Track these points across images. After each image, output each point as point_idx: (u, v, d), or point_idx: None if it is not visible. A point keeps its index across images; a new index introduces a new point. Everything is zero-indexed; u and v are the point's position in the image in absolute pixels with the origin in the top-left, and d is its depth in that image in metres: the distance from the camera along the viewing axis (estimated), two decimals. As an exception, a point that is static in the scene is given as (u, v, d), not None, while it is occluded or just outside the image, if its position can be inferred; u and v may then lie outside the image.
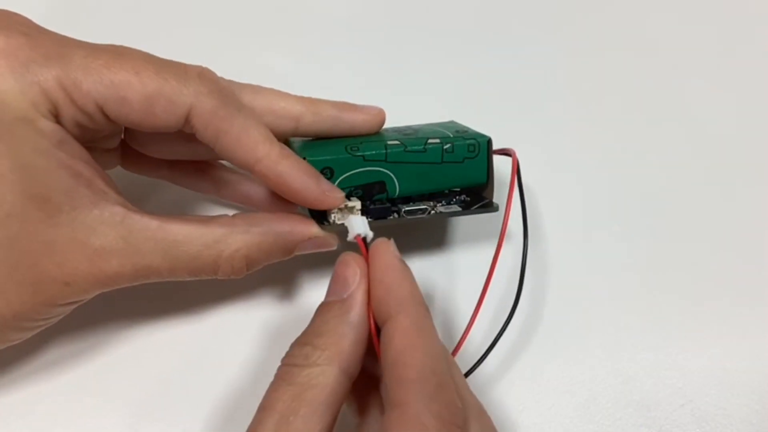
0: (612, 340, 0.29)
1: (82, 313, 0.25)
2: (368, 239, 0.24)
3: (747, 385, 0.28)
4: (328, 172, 0.25)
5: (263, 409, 0.20)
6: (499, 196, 0.27)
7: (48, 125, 0.21)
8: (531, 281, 0.30)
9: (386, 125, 0.28)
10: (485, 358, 0.26)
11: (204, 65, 0.24)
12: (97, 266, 0.22)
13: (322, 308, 0.22)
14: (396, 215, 0.27)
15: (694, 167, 0.34)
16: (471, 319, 0.26)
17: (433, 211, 0.27)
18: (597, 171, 0.34)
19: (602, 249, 0.31)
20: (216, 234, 0.23)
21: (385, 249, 0.22)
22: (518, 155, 0.27)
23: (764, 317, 0.30)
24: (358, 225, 0.24)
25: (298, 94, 0.27)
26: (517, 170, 0.27)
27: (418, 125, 0.29)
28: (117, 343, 0.28)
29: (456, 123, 0.30)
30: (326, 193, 0.24)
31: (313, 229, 0.25)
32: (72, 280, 0.22)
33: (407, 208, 0.27)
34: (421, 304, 0.21)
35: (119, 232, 0.22)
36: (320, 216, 0.25)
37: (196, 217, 0.24)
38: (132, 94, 0.22)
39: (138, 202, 0.24)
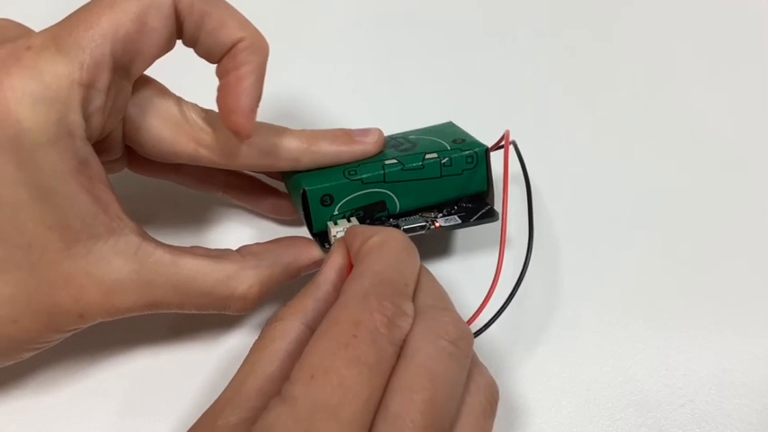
0: (612, 340, 0.29)
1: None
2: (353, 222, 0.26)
3: (747, 385, 0.28)
4: (327, 199, 0.26)
5: (244, 362, 0.21)
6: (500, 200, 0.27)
7: (71, 145, 0.21)
8: (530, 281, 0.30)
9: (384, 127, 0.28)
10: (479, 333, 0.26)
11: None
12: (110, 301, 0.23)
13: None
14: (393, 218, 0.27)
15: (696, 168, 0.34)
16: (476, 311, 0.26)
17: (432, 227, 0.27)
18: (597, 171, 0.34)
19: (602, 249, 0.31)
20: (228, 270, 0.24)
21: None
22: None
23: (765, 317, 0.30)
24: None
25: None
26: (518, 156, 0.27)
27: (416, 134, 0.29)
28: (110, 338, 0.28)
29: (454, 126, 0.30)
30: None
31: (315, 253, 0.26)
32: (85, 313, 0.23)
33: (406, 226, 0.27)
34: (394, 236, 0.22)
35: (133, 265, 0.23)
36: (322, 239, 0.26)
37: (207, 252, 0.25)
38: (124, 27, 0.22)
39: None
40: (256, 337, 0.22)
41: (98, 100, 0.22)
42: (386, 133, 0.29)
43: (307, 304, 0.22)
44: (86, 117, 0.22)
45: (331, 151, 0.26)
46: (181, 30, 0.23)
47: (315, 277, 0.23)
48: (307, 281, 0.23)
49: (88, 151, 0.22)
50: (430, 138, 0.28)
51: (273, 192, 0.31)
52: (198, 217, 0.32)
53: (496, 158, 0.27)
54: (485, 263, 0.31)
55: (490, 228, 0.28)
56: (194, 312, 0.25)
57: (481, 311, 0.26)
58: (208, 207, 0.32)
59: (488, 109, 0.35)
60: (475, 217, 0.27)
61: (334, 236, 0.25)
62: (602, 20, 0.39)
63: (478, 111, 0.35)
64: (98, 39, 0.21)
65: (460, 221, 0.27)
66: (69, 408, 0.27)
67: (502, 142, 0.27)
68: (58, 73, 0.21)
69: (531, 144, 0.34)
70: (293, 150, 0.26)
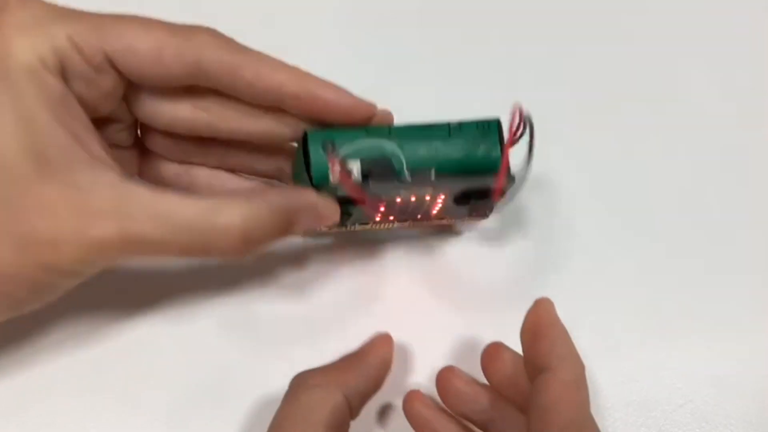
0: (612, 340, 0.29)
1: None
2: (354, 174, 0.24)
3: (747, 385, 0.28)
4: (329, 145, 0.24)
5: (273, 427, 0.22)
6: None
7: (53, 80, 0.22)
8: (530, 281, 0.30)
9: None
10: None
11: None
12: (84, 227, 0.21)
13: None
14: (399, 182, 0.25)
15: (697, 168, 0.34)
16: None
17: (434, 178, 0.25)
18: (598, 170, 0.34)
19: (602, 249, 0.31)
20: (210, 203, 0.22)
21: (549, 305, 0.24)
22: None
23: (765, 317, 0.30)
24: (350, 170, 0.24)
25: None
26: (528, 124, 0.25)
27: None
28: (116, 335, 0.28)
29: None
30: (358, 100, 0.24)
31: (311, 197, 0.24)
32: (58, 239, 0.21)
33: (410, 177, 0.25)
34: (581, 363, 0.23)
35: (111, 195, 0.21)
36: (322, 188, 0.24)
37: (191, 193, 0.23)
38: (141, 44, 0.22)
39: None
40: (286, 397, 0.22)
41: (84, 69, 0.22)
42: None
43: (348, 378, 0.23)
44: (69, 75, 0.22)
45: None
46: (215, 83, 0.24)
47: (359, 353, 0.25)
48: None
49: (70, 95, 0.22)
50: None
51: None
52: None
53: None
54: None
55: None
56: (178, 255, 0.23)
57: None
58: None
59: (488, 109, 0.35)
60: (473, 207, 0.27)
61: (333, 172, 0.24)
62: (603, 20, 0.39)
63: (478, 110, 0.35)
64: (110, 34, 0.22)
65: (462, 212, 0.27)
66: None
67: (518, 132, 0.25)
68: (56, 28, 0.22)
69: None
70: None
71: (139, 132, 0.27)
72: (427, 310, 0.29)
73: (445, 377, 0.25)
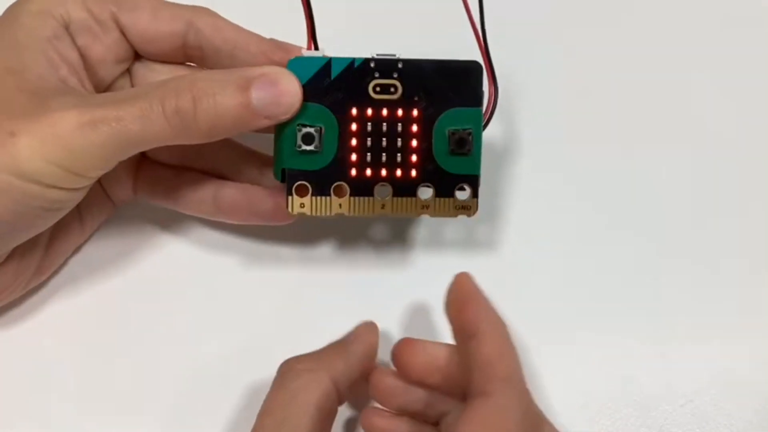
0: (612, 340, 0.29)
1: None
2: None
3: (747, 385, 0.28)
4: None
5: (262, 414, 0.22)
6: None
7: (52, 24, 0.24)
8: (530, 281, 0.30)
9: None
10: None
11: None
12: (44, 115, 0.21)
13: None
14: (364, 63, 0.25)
15: (699, 169, 0.34)
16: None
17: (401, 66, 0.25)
18: (598, 170, 0.34)
19: (602, 248, 0.31)
20: (164, 79, 0.24)
21: (470, 278, 0.25)
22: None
23: (765, 317, 0.30)
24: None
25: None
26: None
27: None
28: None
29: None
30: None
31: (266, 66, 0.24)
32: (17, 129, 0.21)
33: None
34: (505, 323, 0.24)
35: (76, 97, 0.23)
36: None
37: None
38: (143, 2, 0.25)
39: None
40: (274, 383, 0.23)
41: (89, 22, 0.25)
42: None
43: (336, 364, 0.24)
44: (77, 25, 0.25)
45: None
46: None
47: (345, 341, 0.25)
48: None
49: (66, 38, 0.24)
50: None
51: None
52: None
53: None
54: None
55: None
56: (137, 130, 0.22)
57: None
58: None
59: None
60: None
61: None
62: (602, 20, 0.39)
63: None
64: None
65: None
66: None
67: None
68: None
69: (530, 144, 0.34)
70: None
71: None
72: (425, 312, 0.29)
73: (376, 378, 0.26)
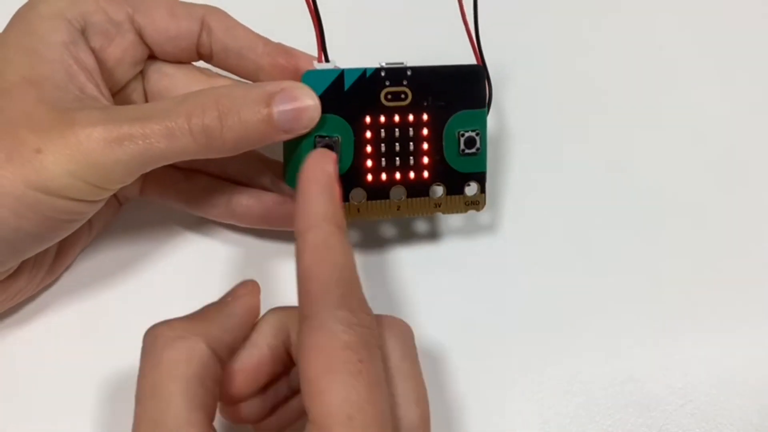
0: (612, 340, 0.29)
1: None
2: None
3: (747, 385, 0.28)
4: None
5: (137, 393, 0.20)
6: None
7: (67, 28, 0.24)
8: (529, 280, 0.30)
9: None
10: None
11: None
12: (69, 131, 0.22)
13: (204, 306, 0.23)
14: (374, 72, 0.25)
15: (698, 166, 0.34)
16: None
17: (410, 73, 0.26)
18: (598, 169, 0.34)
19: (602, 248, 0.31)
20: (188, 93, 0.24)
21: (318, 159, 0.23)
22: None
23: (765, 317, 0.30)
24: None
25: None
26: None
27: None
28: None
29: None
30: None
31: (285, 81, 0.24)
32: (43, 145, 0.21)
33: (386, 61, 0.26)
34: (332, 221, 0.21)
35: (96, 112, 0.22)
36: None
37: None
38: (158, 2, 0.26)
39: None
40: (144, 355, 0.20)
41: (106, 23, 0.25)
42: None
43: (211, 328, 0.21)
44: (94, 28, 0.25)
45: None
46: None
47: (220, 302, 0.23)
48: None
49: (82, 43, 0.24)
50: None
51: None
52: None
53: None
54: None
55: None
56: (162, 146, 0.22)
57: None
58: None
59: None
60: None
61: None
62: (603, 18, 0.39)
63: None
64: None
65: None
66: None
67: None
68: None
69: (529, 143, 0.34)
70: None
71: None
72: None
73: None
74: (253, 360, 0.22)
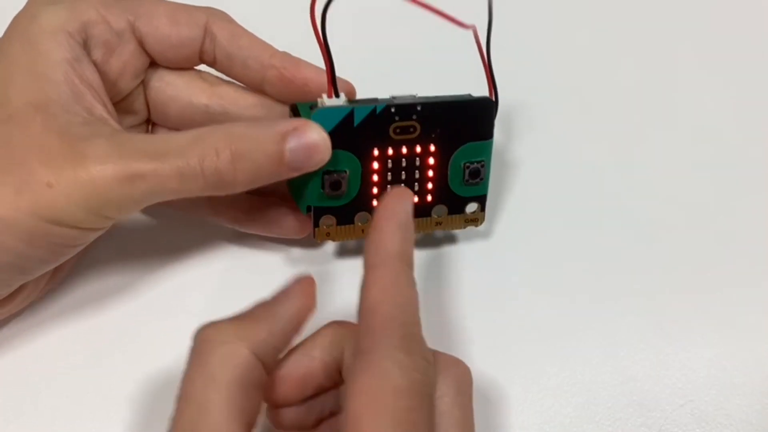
0: (612, 340, 0.29)
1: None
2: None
3: (747, 385, 0.28)
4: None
5: (180, 394, 0.20)
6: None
7: (69, 44, 0.23)
8: (530, 280, 0.30)
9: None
10: None
11: None
12: (81, 166, 0.22)
13: (254, 304, 0.23)
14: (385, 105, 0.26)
15: (696, 166, 0.34)
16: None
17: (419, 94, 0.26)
18: (598, 169, 0.34)
19: (602, 248, 0.31)
20: (199, 131, 0.23)
21: (398, 196, 0.23)
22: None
23: (765, 317, 0.30)
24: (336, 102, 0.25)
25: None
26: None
27: None
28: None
29: None
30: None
31: (295, 121, 0.24)
32: (55, 180, 0.21)
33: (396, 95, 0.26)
34: (404, 260, 0.21)
35: (107, 142, 0.22)
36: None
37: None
38: (160, 9, 0.25)
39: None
40: (190, 356, 0.20)
41: (107, 34, 0.24)
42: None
43: (259, 332, 0.21)
44: (95, 39, 0.24)
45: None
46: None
47: (272, 302, 0.22)
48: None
49: (85, 60, 0.24)
50: None
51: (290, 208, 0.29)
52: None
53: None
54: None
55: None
56: (174, 187, 0.23)
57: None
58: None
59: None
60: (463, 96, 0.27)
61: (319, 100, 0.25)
62: (602, 19, 0.39)
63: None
64: (132, 7, 0.25)
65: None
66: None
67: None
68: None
69: (528, 145, 0.34)
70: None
71: (150, 128, 0.28)
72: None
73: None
74: (301, 369, 0.22)
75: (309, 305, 0.23)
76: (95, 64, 0.25)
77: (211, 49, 0.26)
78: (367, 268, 0.21)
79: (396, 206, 0.22)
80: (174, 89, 0.27)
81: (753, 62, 0.38)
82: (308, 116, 0.25)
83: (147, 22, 0.25)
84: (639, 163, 0.34)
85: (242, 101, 0.28)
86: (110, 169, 0.22)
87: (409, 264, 0.21)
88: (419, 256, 0.30)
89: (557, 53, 0.37)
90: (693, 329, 0.29)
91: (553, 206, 0.32)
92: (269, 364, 0.21)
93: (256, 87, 0.27)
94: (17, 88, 0.22)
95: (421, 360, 0.19)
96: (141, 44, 0.26)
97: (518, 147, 0.34)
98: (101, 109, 0.24)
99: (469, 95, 0.27)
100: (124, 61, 0.25)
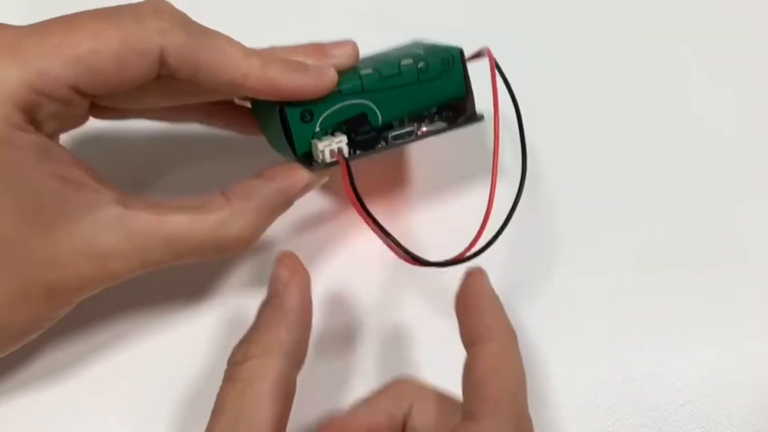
0: (612, 340, 0.29)
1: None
2: (344, 153, 0.25)
3: (747, 385, 0.28)
4: (307, 115, 0.25)
5: (215, 411, 0.21)
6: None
7: (26, 138, 0.20)
8: (529, 280, 0.30)
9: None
10: None
11: None
12: (105, 268, 0.22)
13: (260, 307, 0.23)
14: (384, 143, 0.26)
15: (699, 168, 0.34)
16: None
17: (419, 132, 0.26)
18: (597, 170, 0.34)
19: (602, 248, 0.31)
20: (214, 220, 0.23)
21: (480, 276, 0.23)
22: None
23: (765, 317, 0.30)
24: (340, 149, 0.25)
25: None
26: (496, 67, 0.27)
27: (385, 51, 0.29)
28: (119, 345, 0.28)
29: (420, 41, 0.29)
30: (320, 78, 0.24)
31: (302, 176, 0.25)
32: (83, 285, 0.22)
33: (394, 134, 0.26)
34: (511, 331, 0.22)
35: (120, 234, 0.22)
36: (307, 160, 0.25)
37: (192, 203, 0.23)
38: (100, 61, 0.20)
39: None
40: (225, 377, 0.21)
41: (53, 107, 0.21)
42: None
43: (279, 334, 0.22)
44: (40, 119, 0.21)
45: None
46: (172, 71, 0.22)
47: (276, 301, 0.23)
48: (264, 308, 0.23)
49: (45, 141, 0.21)
50: (402, 51, 0.28)
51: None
52: (180, 162, 0.31)
53: (475, 73, 0.27)
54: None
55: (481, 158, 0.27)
56: (193, 261, 0.24)
57: (473, 245, 0.26)
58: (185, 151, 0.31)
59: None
60: (460, 119, 0.27)
61: (322, 152, 0.24)
62: (601, 18, 0.39)
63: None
64: (68, 62, 0.20)
65: (446, 125, 0.27)
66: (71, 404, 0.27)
67: (478, 57, 0.27)
68: (11, 77, 0.20)
69: (530, 141, 0.34)
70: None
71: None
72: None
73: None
74: (366, 420, 0.22)
75: (303, 278, 0.23)
76: (54, 136, 0.22)
77: (168, 73, 0.22)
78: (474, 342, 0.22)
79: (480, 283, 0.23)
80: (126, 106, 0.25)
81: None
82: (299, 125, 0.24)
83: (90, 81, 0.21)
84: (639, 163, 0.34)
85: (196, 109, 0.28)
86: (133, 264, 0.22)
87: (514, 335, 0.22)
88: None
89: (556, 51, 0.37)
90: (693, 329, 0.29)
91: (553, 206, 0.32)
92: (299, 359, 0.22)
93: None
94: (7, 216, 0.21)
95: None
96: (87, 98, 0.22)
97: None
98: (87, 179, 0.22)
99: (451, 48, 0.27)
100: (74, 114, 0.23)
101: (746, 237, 0.32)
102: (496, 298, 0.23)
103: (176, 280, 0.29)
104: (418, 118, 0.27)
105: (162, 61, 0.21)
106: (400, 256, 0.25)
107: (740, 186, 0.33)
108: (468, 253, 0.25)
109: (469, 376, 0.21)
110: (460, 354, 0.22)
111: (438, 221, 0.31)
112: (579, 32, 0.38)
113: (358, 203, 0.24)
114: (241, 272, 0.30)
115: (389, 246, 0.25)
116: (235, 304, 0.29)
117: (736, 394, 0.28)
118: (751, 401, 0.27)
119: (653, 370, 0.28)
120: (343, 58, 0.26)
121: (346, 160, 0.24)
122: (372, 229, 0.24)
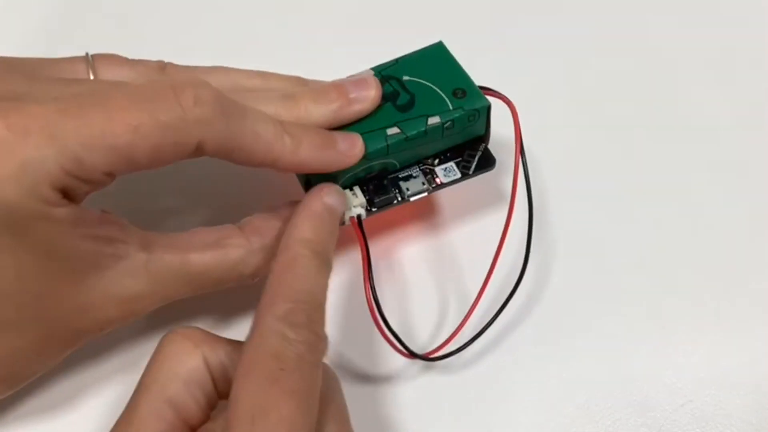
0: (612, 340, 0.29)
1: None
2: (363, 218, 0.26)
3: (747, 385, 0.28)
4: (332, 179, 0.26)
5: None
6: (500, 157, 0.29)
7: (62, 212, 0.21)
8: (530, 280, 0.30)
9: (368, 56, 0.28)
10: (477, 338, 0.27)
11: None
12: (130, 310, 0.23)
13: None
14: (399, 198, 0.27)
15: (698, 167, 0.34)
16: (472, 306, 0.27)
17: (434, 185, 0.27)
18: (597, 170, 0.34)
19: (602, 248, 0.31)
20: (234, 259, 0.24)
21: (317, 191, 0.24)
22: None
23: (764, 317, 0.30)
24: (355, 209, 0.26)
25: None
26: (517, 128, 0.27)
27: (408, 69, 0.28)
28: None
29: (446, 54, 0.29)
30: (349, 156, 0.25)
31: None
32: (107, 326, 0.24)
33: (410, 192, 0.27)
34: (308, 246, 0.22)
35: (145, 278, 0.23)
36: None
37: (210, 238, 0.24)
38: (138, 152, 0.21)
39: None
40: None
41: (87, 187, 0.21)
42: (371, 63, 0.28)
43: (217, 346, 0.22)
44: (73, 194, 0.21)
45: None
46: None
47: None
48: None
49: (78, 210, 0.21)
50: (426, 83, 0.28)
51: None
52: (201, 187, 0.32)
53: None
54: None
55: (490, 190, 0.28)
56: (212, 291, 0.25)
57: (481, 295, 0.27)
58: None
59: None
60: (473, 168, 0.28)
61: (342, 214, 0.26)
62: (601, 19, 0.39)
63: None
64: (106, 153, 0.20)
65: (460, 174, 0.28)
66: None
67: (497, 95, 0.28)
68: (48, 160, 0.20)
69: (533, 143, 0.34)
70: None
71: None
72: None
73: None
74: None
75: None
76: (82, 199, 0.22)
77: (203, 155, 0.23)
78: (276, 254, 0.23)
79: (312, 200, 0.24)
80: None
81: None
82: None
83: (126, 168, 0.21)
84: (642, 163, 0.34)
85: None
86: (154, 301, 0.24)
87: (314, 250, 0.22)
88: (430, 245, 0.31)
89: (556, 54, 0.37)
90: (693, 329, 0.29)
91: (553, 206, 0.32)
92: (219, 379, 0.21)
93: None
94: (35, 272, 0.21)
95: (306, 332, 0.20)
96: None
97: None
98: (117, 232, 0.23)
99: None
100: (105, 184, 0.22)
101: (746, 237, 0.32)
102: (319, 215, 0.24)
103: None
104: (432, 156, 0.28)
105: (198, 148, 0.22)
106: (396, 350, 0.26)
107: (740, 186, 0.33)
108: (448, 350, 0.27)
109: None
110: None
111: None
112: (575, 31, 0.38)
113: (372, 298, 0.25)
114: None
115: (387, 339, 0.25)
116: (236, 304, 0.29)
117: (736, 394, 0.28)
118: (751, 401, 0.27)
119: (653, 370, 0.28)
120: (365, 102, 0.26)
121: (362, 231, 0.26)
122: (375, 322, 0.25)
